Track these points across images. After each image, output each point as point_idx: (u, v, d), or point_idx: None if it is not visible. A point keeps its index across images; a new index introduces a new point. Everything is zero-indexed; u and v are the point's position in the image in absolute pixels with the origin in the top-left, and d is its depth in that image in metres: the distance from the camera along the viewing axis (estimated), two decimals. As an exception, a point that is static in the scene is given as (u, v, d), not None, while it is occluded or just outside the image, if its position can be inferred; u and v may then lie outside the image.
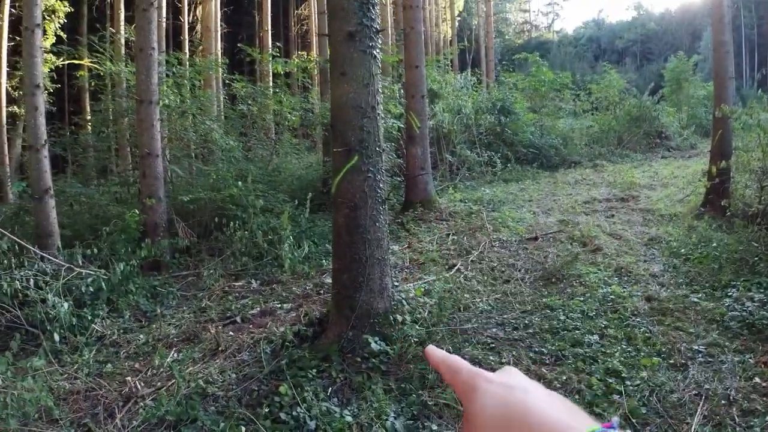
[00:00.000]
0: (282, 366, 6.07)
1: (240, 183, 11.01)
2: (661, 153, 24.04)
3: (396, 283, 7.26)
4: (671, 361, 6.20)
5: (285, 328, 6.85)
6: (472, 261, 9.77)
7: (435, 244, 10.83)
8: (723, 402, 5.47)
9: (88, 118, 21.61)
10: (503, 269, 9.41)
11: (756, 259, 8.73)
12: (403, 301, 6.90)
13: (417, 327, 6.54)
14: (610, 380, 5.73)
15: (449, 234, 11.46)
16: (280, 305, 8.35)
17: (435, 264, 9.70)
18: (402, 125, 14.15)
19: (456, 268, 9.35)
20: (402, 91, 14.46)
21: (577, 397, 5.51)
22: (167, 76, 12.95)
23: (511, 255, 10.15)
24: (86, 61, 18.62)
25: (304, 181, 13.93)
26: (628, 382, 5.69)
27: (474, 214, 12.95)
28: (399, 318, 6.46)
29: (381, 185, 6.29)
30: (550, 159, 20.27)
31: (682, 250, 9.91)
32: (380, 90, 6.31)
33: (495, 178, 17.37)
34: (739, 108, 11.71)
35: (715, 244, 9.65)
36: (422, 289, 8.04)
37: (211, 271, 9.98)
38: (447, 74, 19.19)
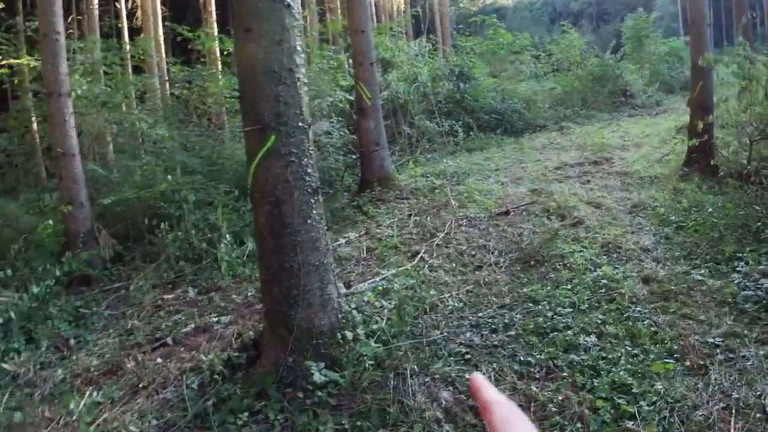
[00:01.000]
0: (209, 408, 4.71)
1: (170, 177, 9.53)
2: (628, 111, 22.83)
3: (343, 291, 5.85)
4: (686, 363, 4.94)
5: (213, 356, 5.46)
6: (437, 245, 8.43)
7: (395, 227, 9.47)
8: (758, 415, 4.25)
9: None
10: (473, 253, 8.08)
11: (759, 224, 7.50)
12: (354, 311, 5.51)
13: (373, 344, 5.19)
14: (619, 399, 4.45)
15: (411, 214, 10.10)
16: (217, 319, 6.97)
17: (396, 252, 8.36)
18: (352, 98, 12.73)
19: (419, 256, 8.00)
20: (351, 60, 12.97)
21: (580, 427, 4.22)
22: (81, 64, 11.27)
23: (481, 234, 8.83)
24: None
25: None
26: (641, 401, 4.41)
27: (437, 189, 11.60)
28: (349, 335, 5.11)
29: (309, 171, 4.87)
30: (514, 124, 18.95)
31: (672, 217, 8.67)
32: (301, 49, 4.87)
33: (458, 149, 16.01)
34: (725, 56, 10.38)
35: (710, 210, 8.39)
36: (381, 288, 6.70)
37: (141, 283, 8.52)
38: (399, 41, 17.70)
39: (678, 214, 8.79)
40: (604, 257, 7.39)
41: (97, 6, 21.62)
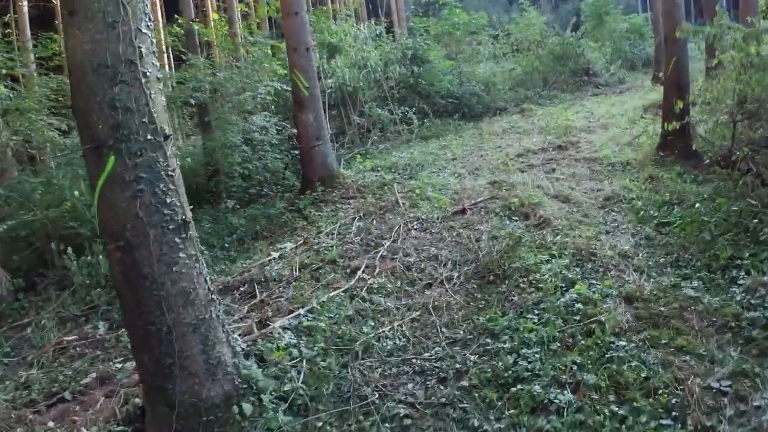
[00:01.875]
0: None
1: (77, 192, 8.12)
2: (591, 90, 21.70)
3: (242, 347, 4.44)
4: (689, 425, 3.76)
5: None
6: (382, 257, 7.15)
7: (336, 235, 8.16)
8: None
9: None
10: (423, 266, 6.83)
11: (757, 222, 6.30)
12: (257, 372, 4.17)
13: (282, 416, 3.90)
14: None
15: (356, 218, 8.79)
16: (120, 365, 5.63)
17: (333, 269, 7.06)
18: (288, 89, 11.38)
19: (359, 274, 6.70)
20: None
21: None
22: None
23: (433, 241, 7.58)
24: None
25: (185, 173, 11.02)
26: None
27: (387, 185, 10.32)
28: (248, 407, 3.80)
29: (170, 200, 3.53)
30: (473, 108, 17.66)
31: (652, 212, 7.51)
32: (150, 32, 3.50)
33: (412, 137, 14.70)
34: (706, 26, 9.17)
35: (697, 204, 7.20)
36: (304, 325, 5.38)
37: (44, 320, 7.09)
38: (346, 23, 16.28)
39: (658, 208, 7.63)
40: (577, 269, 6.16)
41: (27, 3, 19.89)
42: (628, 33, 28.75)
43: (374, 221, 8.49)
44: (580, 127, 14.10)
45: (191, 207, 8.85)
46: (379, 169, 11.62)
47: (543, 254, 6.51)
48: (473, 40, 21.04)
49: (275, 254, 7.91)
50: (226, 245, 8.99)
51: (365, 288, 6.28)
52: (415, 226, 8.18)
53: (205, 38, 12.88)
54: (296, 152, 11.49)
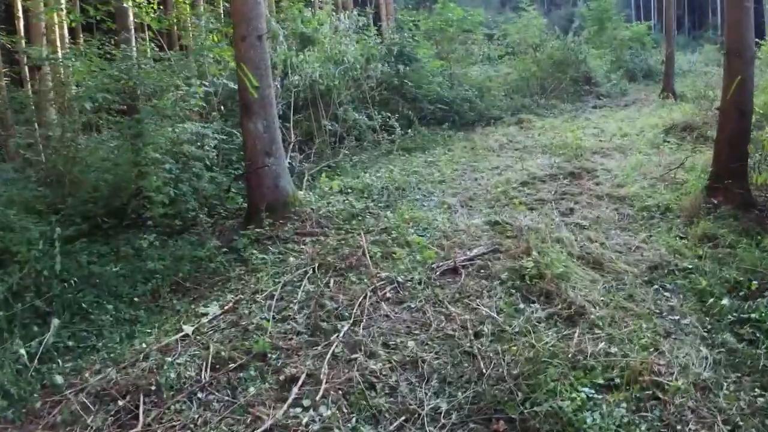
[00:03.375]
0: None
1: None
2: (592, 102, 19.39)
3: None
4: None
5: None
6: (333, 357, 4.64)
7: (275, 303, 5.65)
8: None
9: None
10: (394, 381, 4.33)
11: None
12: None
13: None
14: None
15: (307, 272, 6.27)
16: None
17: (260, 373, 4.55)
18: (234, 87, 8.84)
19: (293, 394, 4.18)
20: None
21: None
22: None
23: (411, 326, 5.12)
24: None
25: (109, 184, 8.16)
26: None
27: (356, 218, 7.85)
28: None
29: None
30: (464, 116, 15.13)
31: (725, 302, 5.05)
32: None
33: (393, 149, 12.11)
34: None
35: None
36: None
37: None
38: (322, 11, 13.59)
39: (729, 292, 5.20)
40: (637, 420, 3.67)
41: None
42: (630, 41, 26.53)
43: (331, 282, 5.97)
44: (591, 147, 11.68)
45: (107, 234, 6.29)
46: (349, 191, 9.09)
47: (582, 383, 4.00)
48: (467, 39, 18.46)
49: (189, 328, 5.36)
50: (136, 299, 6.39)
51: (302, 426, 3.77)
52: (388, 294, 5.68)
53: (139, 20, 10.13)
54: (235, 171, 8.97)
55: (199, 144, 8.17)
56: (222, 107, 9.42)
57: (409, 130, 12.89)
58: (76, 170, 7.86)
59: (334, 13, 14.13)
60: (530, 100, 17.95)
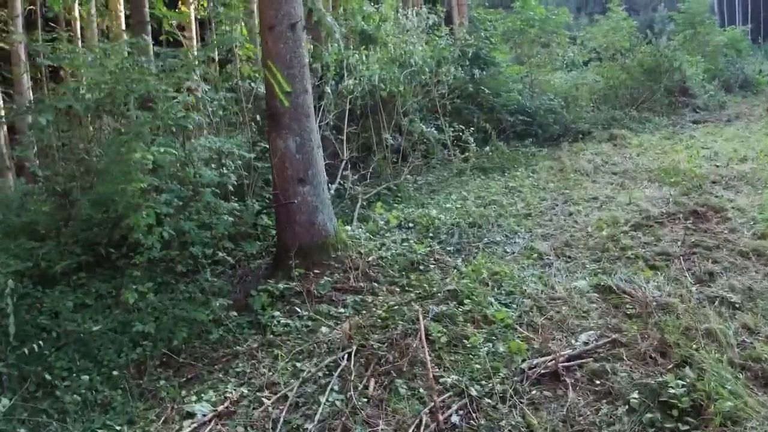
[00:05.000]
0: None
1: None
2: (689, 115, 16.68)
3: None
4: None
5: None
6: None
7: (284, 416, 3.63)
8: None
9: None
10: None
11: None
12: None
13: None
14: None
15: (340, 361, 4.22)
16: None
17: None
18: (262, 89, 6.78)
19: None
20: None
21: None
22: None
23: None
24: None
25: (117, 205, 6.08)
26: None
27: (416, 271, 5.75)
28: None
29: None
30: (547, 129, 12.79)
31: None
32: None
33: (467, 168, 9.93)
34: None
35: None
36: None
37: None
38: (386, 5, 11.37)
39: None
40: None
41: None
42: (725, 48, 23.56)
43: (371, 387, 3.90)
44: (709, 175, 9.25)
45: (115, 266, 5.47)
46: (410, 226, 6.99)
47: None
48: (550, 42, 16.07)
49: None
50: (116, 372, 4.47)
51: None
52: (454, 419, 3.57)
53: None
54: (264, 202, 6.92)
55: (215, 165, 6.14)
56: (258, 117, 7.37)
57: (486, 146, 10.68)
58: (78, 186, 6.01)
59: (400, 9, 11.96)
60: (621, 113, 15.46)
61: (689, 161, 9.55)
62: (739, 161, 10.39)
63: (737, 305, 4.96)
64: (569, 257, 6.13)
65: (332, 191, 7.19)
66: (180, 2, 10.12)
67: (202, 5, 9.14)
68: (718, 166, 10.00)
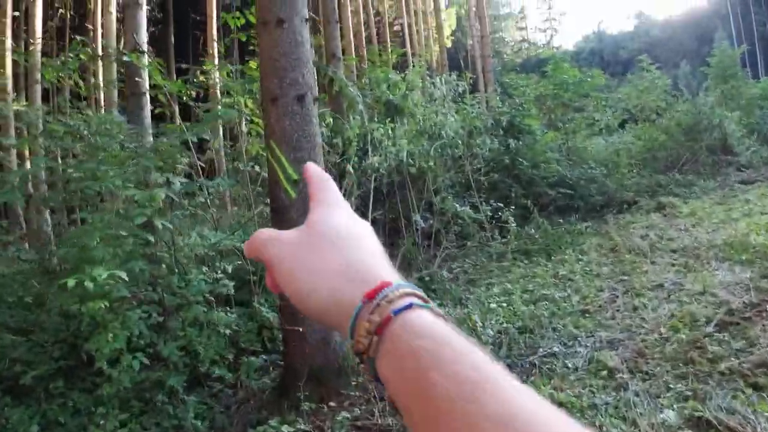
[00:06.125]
0: None
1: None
2: (735, 175, 15.44)
3: None
4: None
5: None
6: None
7: None
8: None
9: None
10: None
11: None
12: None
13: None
14: None
15: None
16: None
17: None
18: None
19: None
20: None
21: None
22: None
23: None
24: None
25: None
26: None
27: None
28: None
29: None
30: (590, 200, 11.63)
31: None
32: None
33: (507, 251, 8.78)
34: None
35: None
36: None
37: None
38: (413, 75, 10.35)
39: None
40: None
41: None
42: (759, 100, 22.40)
43: None
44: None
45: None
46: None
47: None
48: (585, 106, 15.04)
49: None
50: None
51: None
52: None
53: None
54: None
55: (207, 268, 5.09)
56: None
57: (527, 225, 9.56)
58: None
59: (428, 77, 11.06)
60: (664, 177, 14.30)
61: (757, 233, 8.33)
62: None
63: None
64: (646, 373, 4.91)
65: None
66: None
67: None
68: (789, 236, 8.78)
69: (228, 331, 4.85)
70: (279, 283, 0.61)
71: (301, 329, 4.63)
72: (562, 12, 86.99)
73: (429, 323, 0.52)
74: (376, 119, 9.20)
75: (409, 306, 0.53)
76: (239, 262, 5.60)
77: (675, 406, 4.38)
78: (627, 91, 19.50)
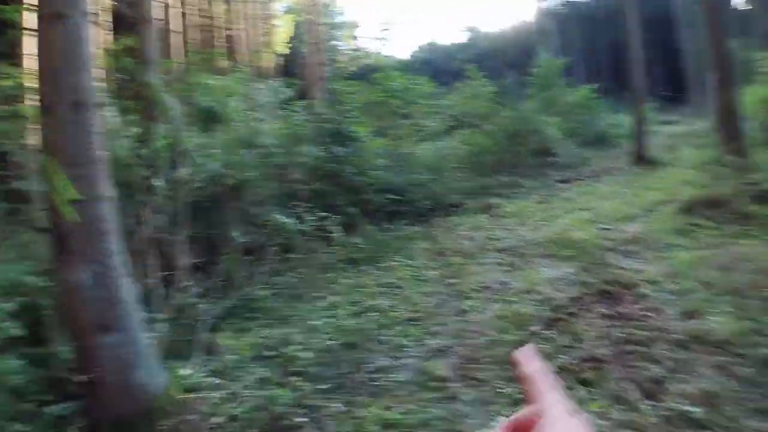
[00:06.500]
0: None
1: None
2: (557, 175, 16.15)
3: None
4: None
5: None
6: None
7: None
8: None
9: None
10: None
11: None
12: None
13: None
14: None
15: None
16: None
17: None
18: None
19: None
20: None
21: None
22: None
23: None
24: None
25: None
26: None
27: (284, 428, 4.09)
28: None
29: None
30: (417, 205, 11.50)
31: None
32: None
33: (334, 261, 8.37)
34: None
35: None
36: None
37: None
38: (233, 81, 9.66)
39: None
40: None
41: None
42: (577, 108, 23.86)
43: None
44: (600, 242, 8.24)
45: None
46: (271, 354, 5.28)
47: None
48: (413, 112, 15.05)
49: None
50: None
51: None
52: None
53: None
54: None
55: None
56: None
57: (354, 233, 9.22)
58: None
59: (252, 84, 10.50)
60: (490, 179, 14.58)
61: (579, 229, 8.50)
62: (626, 220, 9.53)
63: (706, 425, 3.67)
64: (478, 380, 4.64)
65: (159, 325, 5.38)
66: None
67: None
68: (606, 229, 9.04)
69: (18, 380, 4.04)
70: None
71: (94, 375, 3.95)
72: (398, 22, 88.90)
73: None
74: (194, 128, 8.51)
75: None
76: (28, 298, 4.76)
77: (507, 410, 4.11)
78: (454, 98, 19.89)
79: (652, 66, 52.81)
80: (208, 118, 8.91)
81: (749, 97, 13.67)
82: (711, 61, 12.33)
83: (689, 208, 9.28)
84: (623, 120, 28.36)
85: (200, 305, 6.14)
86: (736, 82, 11.96)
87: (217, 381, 4.69)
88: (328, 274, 7.82)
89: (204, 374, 4.79)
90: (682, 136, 23.07)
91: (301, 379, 4.72)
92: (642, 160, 16.38)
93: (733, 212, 8.68)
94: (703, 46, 15.13)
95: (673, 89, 57.43)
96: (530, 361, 0.72)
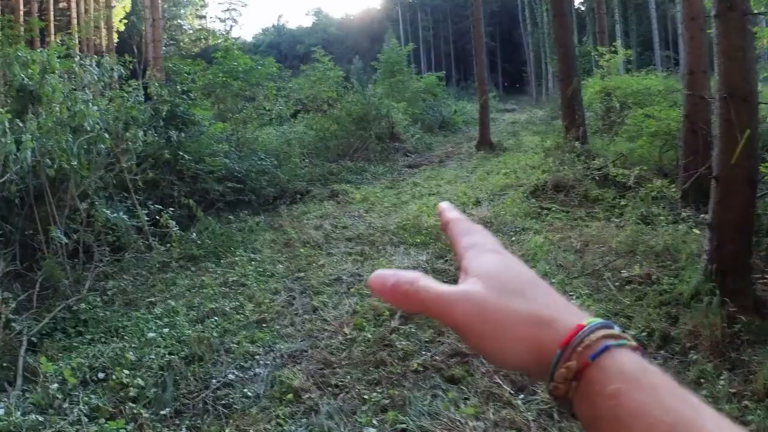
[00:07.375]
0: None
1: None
2: (402, 160, 16.30)
3: None
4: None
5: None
6: None
7: None
8: None
9: None
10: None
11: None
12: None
13: None
14: None
15: None
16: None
17: None
18: None
19: None
20: None
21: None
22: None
23: None
24: None
25: None
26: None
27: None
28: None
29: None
30: (261, 193, 10.88)
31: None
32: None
33: (171, 259, 7.61)
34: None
35: None
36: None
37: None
38: (51, 54, 8.50)
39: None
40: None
41: None
42: (423, 93, 24.16)
43: None
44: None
45: None
46: (102, 377, 4.57)
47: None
48: (256, 95, 14.34)
49: None
50: None
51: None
52: None
53: None
54: None
55: None
56: None
57: (192, 227, 8.50)
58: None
59: (75, 58, 9.42)
60: (336, 165, 14.21)
61: (428, 215, 8.30)
62: (474, 205, 9.51)
63: None
64: (337, 387, 4.23)
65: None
66: None
67: None
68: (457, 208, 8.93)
69: None
70: (470, 344, 0.54)
71: None
72: (243, 3, 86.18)
73: (625, 365, 0.47)
74: (5, 109, 7.40)
75: (606, 348, 0.49)
76: None
77: (374, 420, 3.75)
78: (300, 82, 19.37)
79: (494, 57, 55.25)
80: (23, 98, 7.84)
81: (588, 89, 14.34)
82: (557, 56, 12.80)
83: (536, 192, 9.39)
84: (467, 107, 29.31)
85: (15, 323, 5.26)
86: (577, 75, 12.40)
87: (40, 418, 3.93)
88: (166, 275, 7.09)
89: (22, 411, 4.01)
90: (522, 124, 24.04)
91: (137, 404, 4.08)
92: (486, 145, 16.70)
93: (578, 195, 8.86)
94: (547, 41, 15.83)
95: (512, 80, 60.37)
96: (450, 212, 0.67)
